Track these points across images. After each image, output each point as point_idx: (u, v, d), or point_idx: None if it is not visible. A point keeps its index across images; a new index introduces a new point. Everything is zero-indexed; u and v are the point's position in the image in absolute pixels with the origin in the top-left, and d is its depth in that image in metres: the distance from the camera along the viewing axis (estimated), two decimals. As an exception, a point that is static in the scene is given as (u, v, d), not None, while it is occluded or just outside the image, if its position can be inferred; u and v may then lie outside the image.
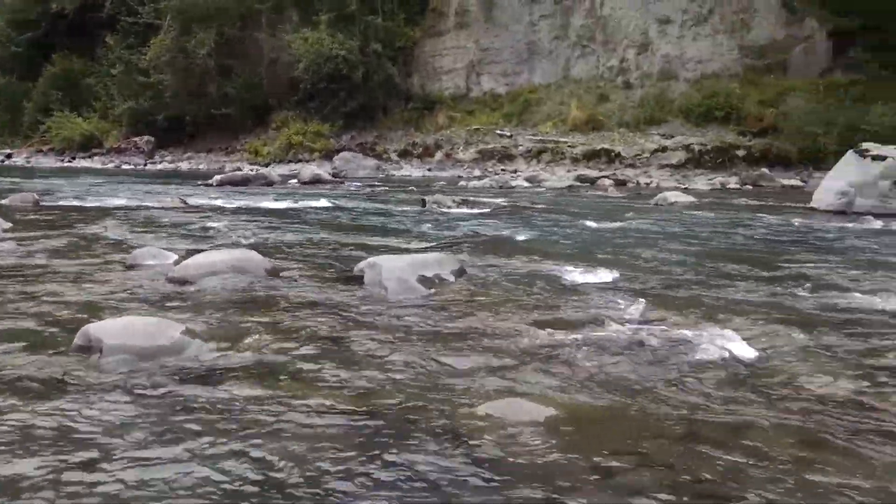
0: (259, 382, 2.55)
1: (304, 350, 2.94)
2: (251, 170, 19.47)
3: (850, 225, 8.33)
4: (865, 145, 10.48)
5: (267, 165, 23.23)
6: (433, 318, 3.49)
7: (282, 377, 2.61)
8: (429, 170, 22.67)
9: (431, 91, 26.71)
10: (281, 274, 4.52)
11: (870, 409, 2.39)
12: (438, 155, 23.67)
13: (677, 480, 1.89)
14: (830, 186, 10.29)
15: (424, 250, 5.65)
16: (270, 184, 15.84)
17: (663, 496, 1.81)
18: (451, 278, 4.26)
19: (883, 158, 9.73)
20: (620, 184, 17.16)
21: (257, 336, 3.09)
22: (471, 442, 2.10)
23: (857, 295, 4.14)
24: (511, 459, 2.00)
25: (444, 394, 2.50)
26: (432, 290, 4.03)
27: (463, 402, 2.41)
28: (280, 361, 2.79)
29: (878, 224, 8.26)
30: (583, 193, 14.34)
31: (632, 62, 23.84)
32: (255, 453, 1.98)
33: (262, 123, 27.79)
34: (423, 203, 10.23)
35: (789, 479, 1.89)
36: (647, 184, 17.54)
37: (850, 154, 10.35)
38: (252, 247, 5.45)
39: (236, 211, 9.20)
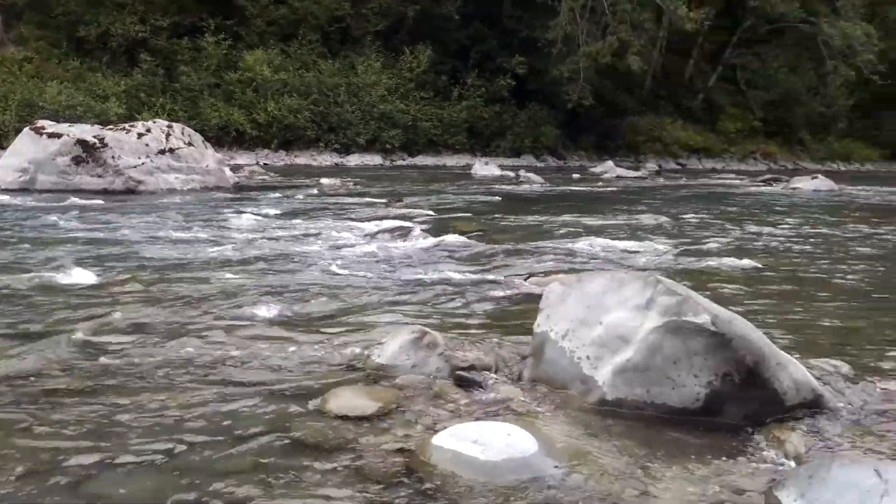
0: None
1: None
2: None
3: (32, 203, 8.24)
4: (41, 122, 10.51)
5: None
6: None
7: None
8: None
9: None
10: None
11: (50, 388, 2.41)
12: None
13: None
14: (10, 164, 9.95)
15: None
16: None
17: None
18: None
19: (59, 136, 9.94)
20: None
21: None
22: None
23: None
24: None
25: None
26: None
27: None
28: None
29: (70, 201, 8.29)
30: None
31: None
32: None
33: None
34: None
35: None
36: None
37: (26, 131, 10.21)
38: None
39: None
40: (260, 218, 7.20)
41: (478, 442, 1.84)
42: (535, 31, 24.08)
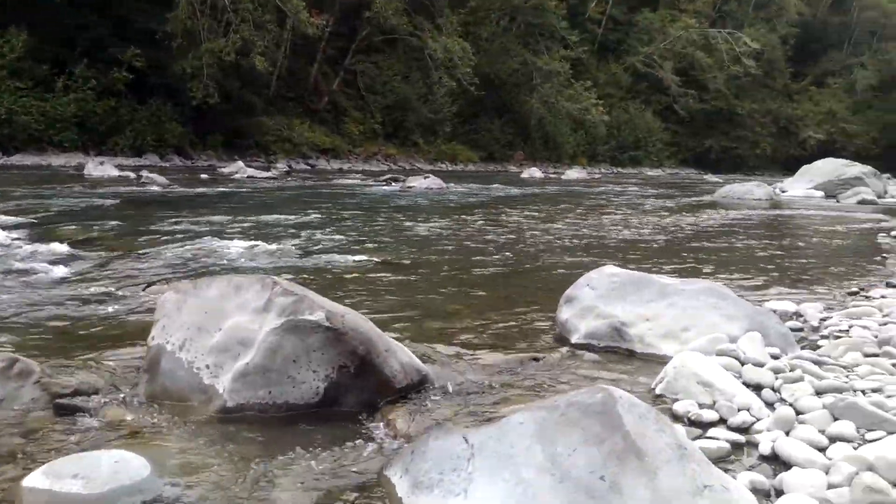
0: None
1: None
2: None
3: None
4: None
5: None
6: None
7: None
8: None
9: None
10: None
11: None
12: None
13: None
14: None
15: None
16: None
17: None
18: None
19: None
20: None
21: None
22: None
23: None
24: None
25: None
26: None
27: None
28: None
29: None
30: None
31: None
32: None
33: None
34: None
35: None
36: None
37: None
38: None
39: None
40: None
41: (79, 476, 1.66)
42: (152, 23, 22.60)
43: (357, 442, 2.09)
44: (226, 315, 2.37)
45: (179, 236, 6.32)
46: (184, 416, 2.20)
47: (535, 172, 27.11)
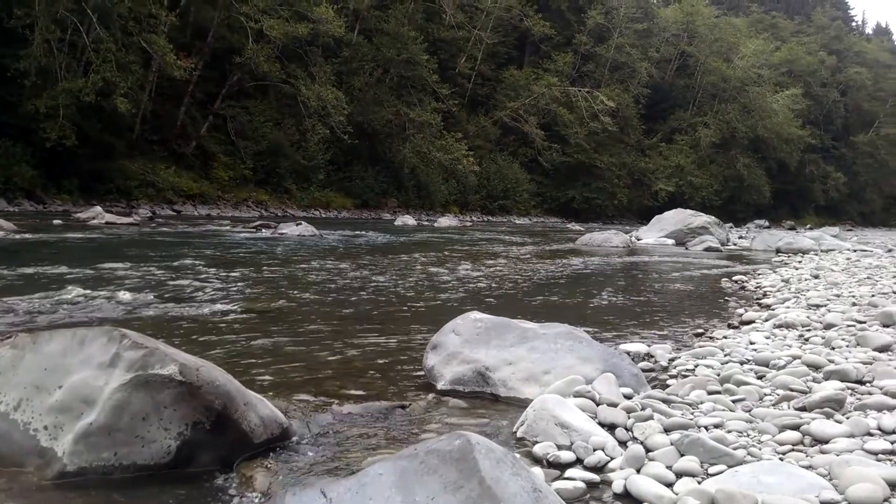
0: None
1: None
2: None
3: None
4: None
5: None
6: None
7: None
8: None
9: None
10: None
11: None
12: None
13: None
14: None
15: None
16: None
17: None
18: None
19: None
20: None
21: None
22: None
23: None
24: None
25: None
26: None
27: None
28: None
29: None
30: None
31: None
32: None
33: None
34: None
35: None
36: None
37: None
38: None
39: None
40: None
41: None
42: (4, 59, 21.20)
43: (211, 502, 1.99)
44: (68, 371, 2.22)
45: (23, 287, 5.85)
46: (16, 483, 2.02)
47: (408, 220, 27.35)
